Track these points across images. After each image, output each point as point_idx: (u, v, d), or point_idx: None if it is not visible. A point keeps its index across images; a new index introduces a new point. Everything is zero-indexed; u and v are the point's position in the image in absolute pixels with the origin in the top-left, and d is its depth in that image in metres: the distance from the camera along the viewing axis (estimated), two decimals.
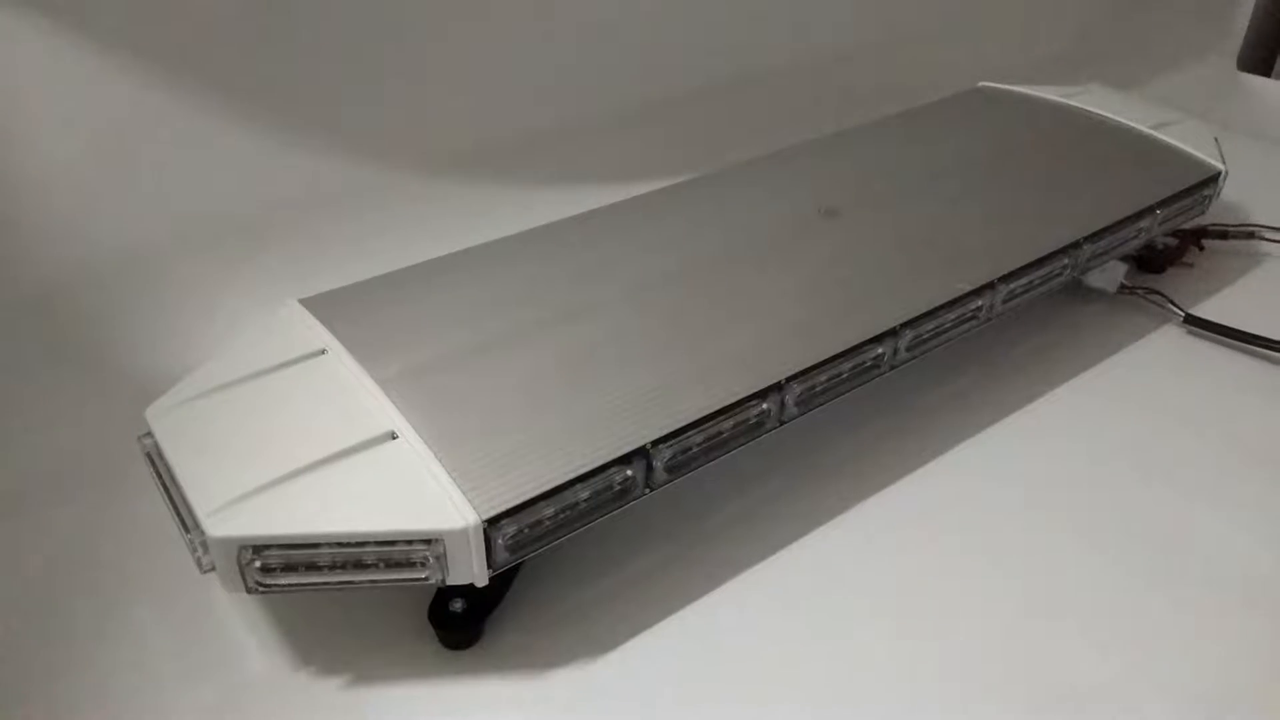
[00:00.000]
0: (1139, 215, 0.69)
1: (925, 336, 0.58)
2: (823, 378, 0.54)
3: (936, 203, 0.68)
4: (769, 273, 0.60)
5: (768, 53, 0.99)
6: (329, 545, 0.43)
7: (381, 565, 0.44)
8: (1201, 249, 0.81)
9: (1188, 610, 0.50)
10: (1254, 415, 0.64)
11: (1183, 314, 0.71)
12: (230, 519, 0.42)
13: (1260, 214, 0.85)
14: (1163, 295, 0.73)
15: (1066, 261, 0.65)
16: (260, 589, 0.43)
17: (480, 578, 0.44)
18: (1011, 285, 0.62)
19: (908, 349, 0.57)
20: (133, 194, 0.68)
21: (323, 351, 0.51)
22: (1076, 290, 0.75)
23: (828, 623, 0.49)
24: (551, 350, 0.52)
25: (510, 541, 0.44)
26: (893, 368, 0.58)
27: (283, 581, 0.43)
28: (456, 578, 0.44)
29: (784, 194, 0.69)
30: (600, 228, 0.65)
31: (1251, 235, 0.82)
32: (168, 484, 0.46)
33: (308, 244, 0.73)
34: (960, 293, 0.59)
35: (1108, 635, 0.49)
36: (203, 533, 0.42)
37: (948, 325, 0.59)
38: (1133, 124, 0.80)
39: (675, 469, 0.49)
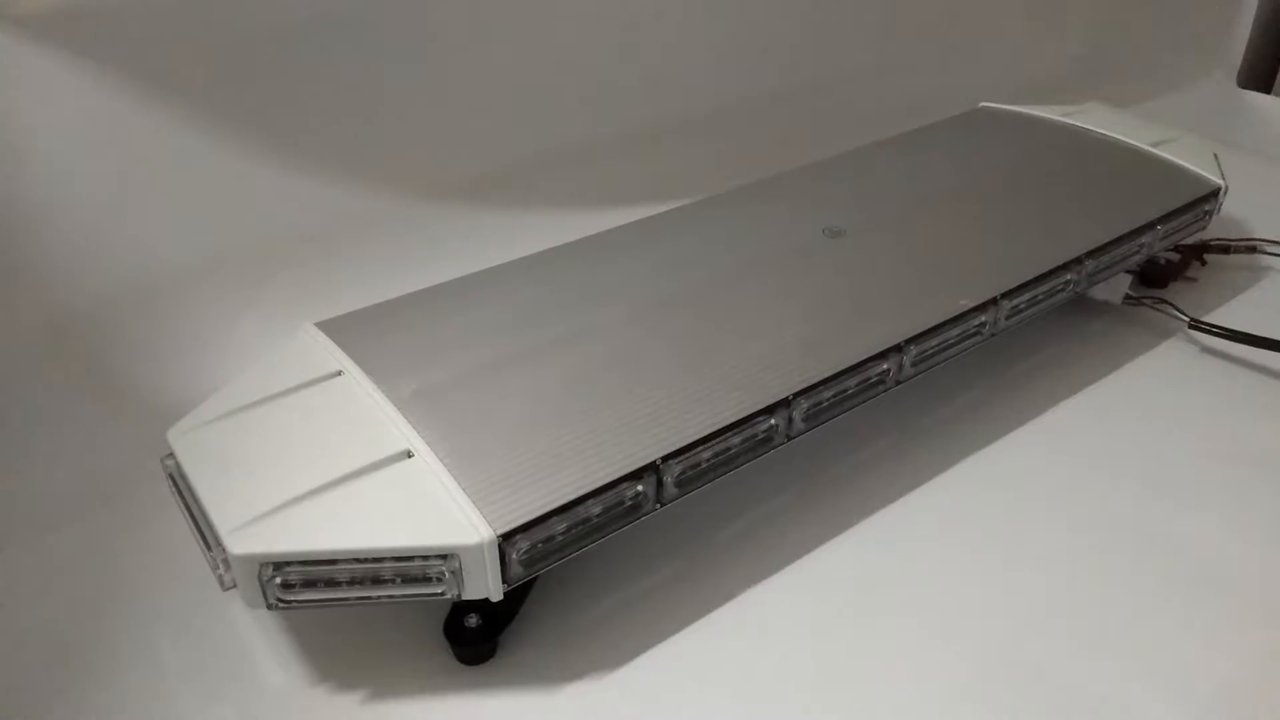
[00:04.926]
0: (1140, 230, 0.70)
1: (930, 352, 0.59)
2: (829, 393, 0.55)
3: (940, 221, 0.69)
4: (775, 292, 0.61)
5: (772, 76, 1.01)
6: (348, 561, 0.44)
7: (399, 581, 0.45)
8: (1204, 263, 0.81)
9: (1198, 618, 0.51)
10: (1263, 424, 0.64)
11: (1187, 319, 0.72)
12: (251, 536, 0.43)
13: (1262, 228, 0.85)
14: (1168, 303, 0.74)
15: (1069, 277, 0.66)
16: (281, 605, 0.44)
17: (495, 592, 0.45)
18: (1015, 301, 0.63)
19: (913, 364, 0.58)
20: (152, 222, 0.70)
21: (339, 373, 0.53)
22: (1082, 303, 0.76)
23: (840, 635, 0.50)
24: (562, 369, 0.53)
25: (524, 556, 0.45)
26: (898, 383, 0.58)
27: (302, 597, 0.44)
28: (472, 593, 0.45)
29: (789, 214, 0.70)
30: (608, 250, 0.66)
31: (1253, 249, 0.83)
32: (189, 503, 0.48)
33: (323, 270, 0.75)
34: (963, 309, 0.60)
35: (1119, 645, 0.49)
36: (224, 550, 0.43)
37: (952, 341, 0.60)
38: (1132, 141, 0.81)
39: (685, 484, 0.50)
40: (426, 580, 0.45)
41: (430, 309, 0.59)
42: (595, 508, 0.47)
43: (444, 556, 0.44)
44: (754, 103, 1.00)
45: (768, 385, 0.52)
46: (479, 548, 0.43)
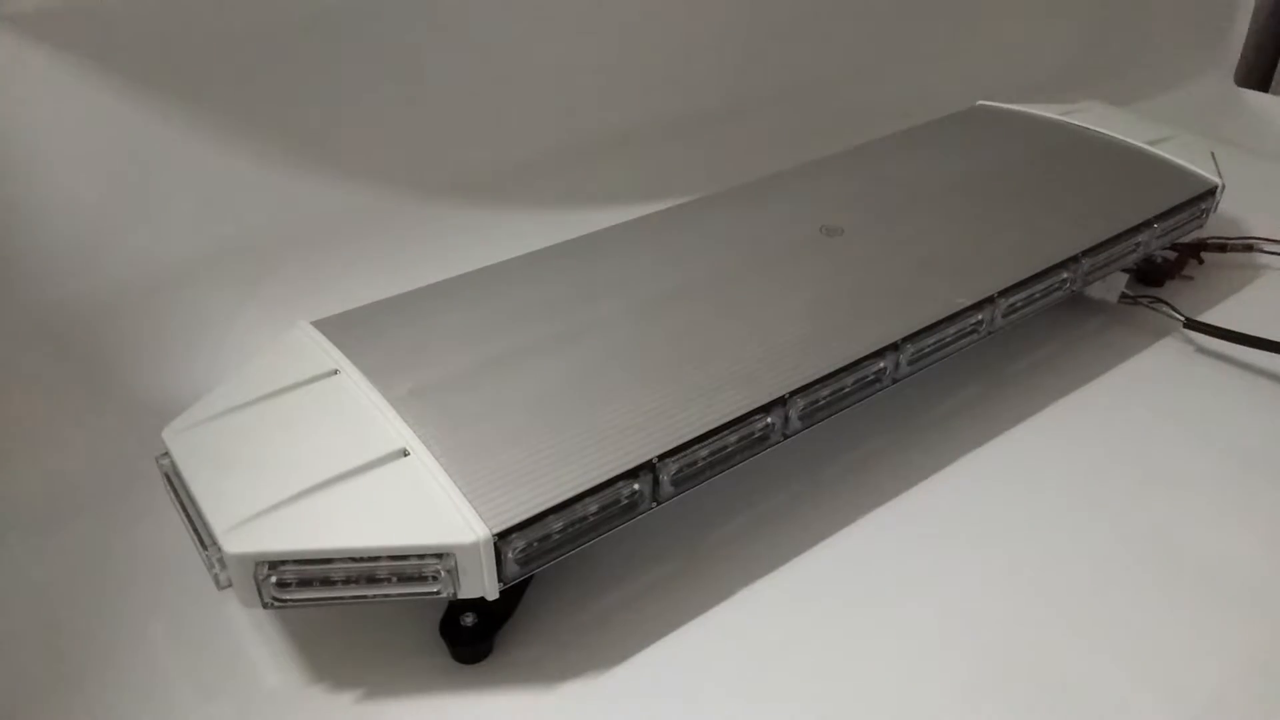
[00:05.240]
0: (1137, 229, 0.70)
1: (926, 350, 0.59)
2: (826, 392, 0.55)
3: (937, 219, 0.69)
4: (772, 290, 0.61)
5: (769, 75, 1.01)
6: (343, 560, 0.44)
7: (394, 580, 0.44)
8: (1201, 262, 0.81)
9: (1194, 617, 0.51)
10: (1258, 423, 0.64)
11: (1183, 319, 0.72)
12: (247, 535, 0.43)
13: (1259, 227, 0.85)
14: (1164, 302, 0.74)
15: (1065, 275, 0.66)
16: (276, 604, 0.44)
17: (491, 591, 0.45)
18: (1011, 299, 0.63)
19: (909, 363, 0.58)
20: (147, 222, 0.70)
21: (335, 372, 0.53)
22: (1078, 302, 0.76)
23: (838, 633, 0.50)
24: (558, 367, 0.53)
25: (520, 555, 0.45)
26: (895, 381, 0.58)
27: (298, 596, 0.44)
28: (467, 591, 0.45)
29: (786, 213, 0.70)
30: (605, 248, 0.66)
31: (1250, 248, 0.83)
32: (185, 502, 0.47)
33: (319, 268, 0.75)
34: (960, 307, 0.60)
35: (1111, 642, 0.49)
36: (220, 549, 0.43)
37: (949, 339, 0.60)
38: (1130, 140, 0.81)
39: (681, 483, 0.50)
40: (422, 579, 0.45)
41: (426, 308, 0.59)
42: (591, 506, 0.47)
43: (440, 555, 0.44)
44: (752, 101, 1.00)
45: (764, 383, 0.52)
46: (475, 546, 0.43)
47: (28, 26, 0.62)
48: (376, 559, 0.44)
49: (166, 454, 0.49)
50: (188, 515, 0.47)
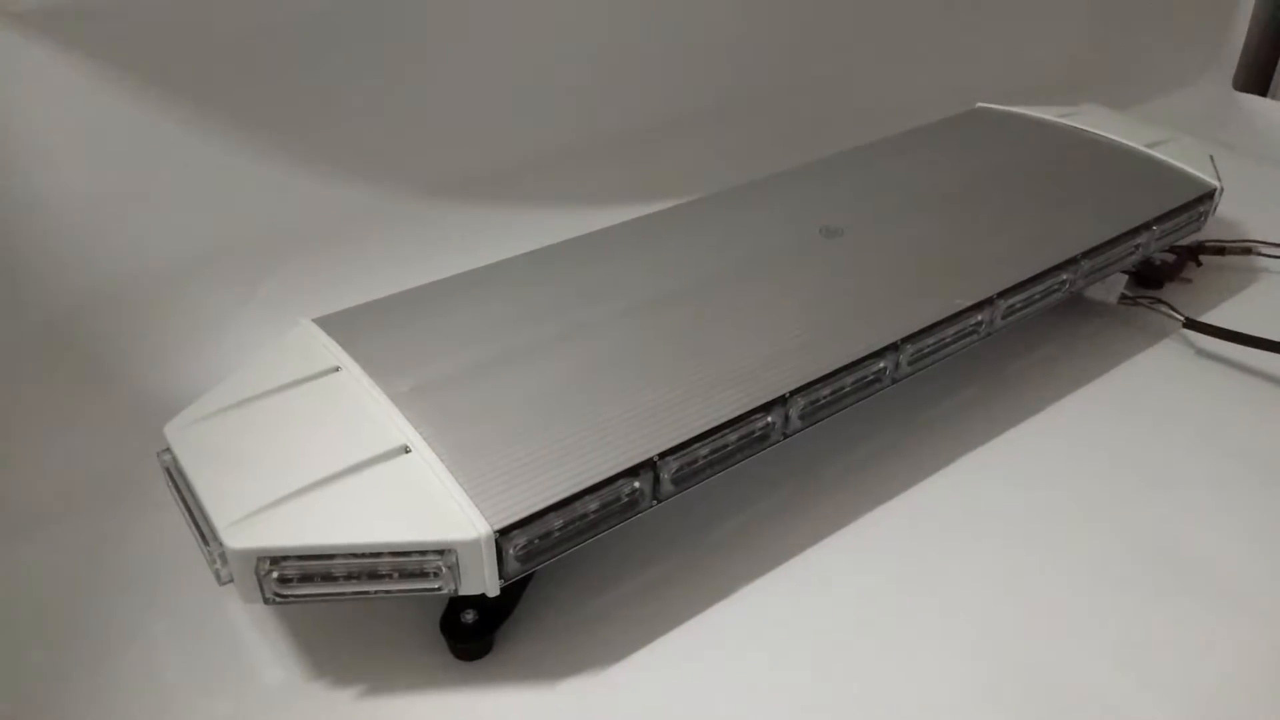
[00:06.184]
0: (1135, 231, 0.70)
1: (926, 351, 0.59)
2: (826, 391, 0.55)
3: (936, 221, 0.69)
4: (772, 290, 0.61)
5: (769, 75, 1.01)
6: (344, 556, 0.44)
7: (395, 576, 0.45)
8: (1199, 264, 0.82)
9: (1189, 617, 0.51)
10: (1257, 423, 0.65)
11: (1182, 319, 0.72)
12: (248, 531, 0.43)
13: (1257, 230, 0.86)
14: (1164, 302, 0.74)
15: (1065, 277, 0.66)
16: (278, 599, 0.44)
17: (492, 588, 0.45)
18: (1011, 300, 0.63)
19: (909, 363, 0.58)
20: (149, 219, 0.70)
21: (336, 369, 0.53)
22: (1078, 303, 0.76)
23: (835, 631, 0.50)
24: (559, 366, 0.53)
25: (521, 552, 0.45)
26: (895, 381, 0.59)
27: (299, 592, 0.44)
28: (468, 588, 0.45)
29: (786, 214, 0.70)
30: (606, 248, 0.66)
31: (1248, 251, 0.83)
32: (186, 498, 0.48)
33: (320, 266, 0.75)
34: (959, 308, 0.60)
35: (1111, 642, 0.50)
36: (221, 545, 0.43)
37: (948, 340, 0.60)
38: (1129, 142, 0.81)
39: (682, 481, 0.50)
40: (423, 575, 0.45)
41: (427, 305, 0.59)
42: (592, 504, 0.47)
43: (441, 552, 0.44)
44: (751, 102, 1.00)
45: (765, 382, 0.53)
46: (476, 543, 0.43)
47: (31, 23, 0.62)
48: (378, 555, 0.44)
49: (168, 449, 0.49)
50: (189, 511, 0.47)
